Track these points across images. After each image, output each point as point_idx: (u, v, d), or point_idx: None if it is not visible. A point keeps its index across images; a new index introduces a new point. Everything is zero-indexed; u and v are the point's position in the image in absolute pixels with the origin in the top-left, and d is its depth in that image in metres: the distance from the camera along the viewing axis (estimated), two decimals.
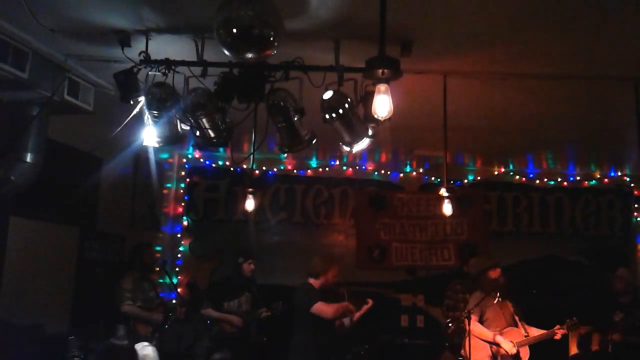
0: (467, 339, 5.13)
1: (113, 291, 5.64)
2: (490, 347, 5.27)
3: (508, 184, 8.00)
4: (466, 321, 5.14)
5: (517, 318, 5.38)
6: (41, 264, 5.47)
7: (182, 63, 4.06)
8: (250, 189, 5.85)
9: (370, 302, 5.75)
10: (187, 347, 5.58)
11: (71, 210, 5.95)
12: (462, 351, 5.54)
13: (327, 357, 5.14)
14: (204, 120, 4.16)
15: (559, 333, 5.27)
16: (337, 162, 7.92)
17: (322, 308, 5.06)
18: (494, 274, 5.42)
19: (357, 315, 5.69)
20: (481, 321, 5.34)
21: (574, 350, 5.85)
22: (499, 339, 5.22)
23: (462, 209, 7.36)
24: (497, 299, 5.34)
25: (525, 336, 5.28)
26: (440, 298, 6.78)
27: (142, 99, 4.17)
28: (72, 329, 5.65)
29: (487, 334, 5.22)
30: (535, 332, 5.35)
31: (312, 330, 5.08)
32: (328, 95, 3.90)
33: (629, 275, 6.12)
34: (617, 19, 3.73)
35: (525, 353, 5.30)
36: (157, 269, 6.18)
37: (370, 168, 8.00)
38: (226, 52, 3.62)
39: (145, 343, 5.34)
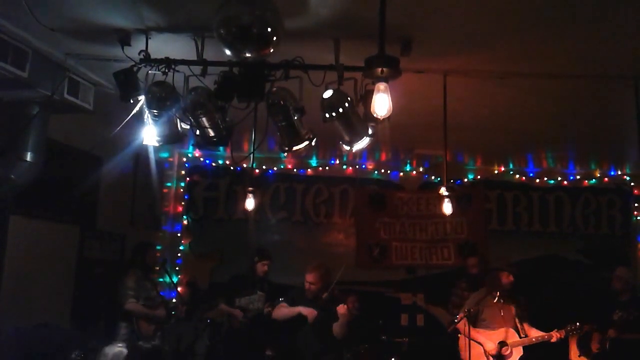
0: (467, 338, 5.14)
1: (116, 289, 5.64)
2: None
3: (508, 183, 7.99)
4: (465, 320, 5.15)
5: (517, 320, 5.38)
6: (41, 263, 5.46)
7: (182, 62, 4.07)
8: (250, 188, 5.85)
9: (342, 309, 5.00)
10: (187, 346, 5.63)
11: (71, 209, 5.94)
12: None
13: (324, 355, 5.12)
14: (204, 119, 4.16)
15: (554, 337, 5.29)
16: (337, 161, 7.91)
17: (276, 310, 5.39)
18: (507, 279, 5.44)
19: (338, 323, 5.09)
20: (478, 320, 5.35)
21: (574, 349, 5.86)
22: (482, 339, 5.24)
23: (462, 208, 7.37)
24: (496, 299, 5.35)
25: (522, 338, 5.30)
26: (440, 297, 6.79)
27: (142, 98, 4.17)
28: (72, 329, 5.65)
29: (473, 334, 5.22)
30: (534, 333, 5.37)
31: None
32: (328, 94, 3.90)
33: (628, 274, 6.13)
34: (617, 18, 3.73)
35: (518, 352, 5.31)
36: (157, 268, 6.20)
37: (370, 167, 7.99)
38: (226, 51, 3.62)
39: (120, 344, 5.32)
